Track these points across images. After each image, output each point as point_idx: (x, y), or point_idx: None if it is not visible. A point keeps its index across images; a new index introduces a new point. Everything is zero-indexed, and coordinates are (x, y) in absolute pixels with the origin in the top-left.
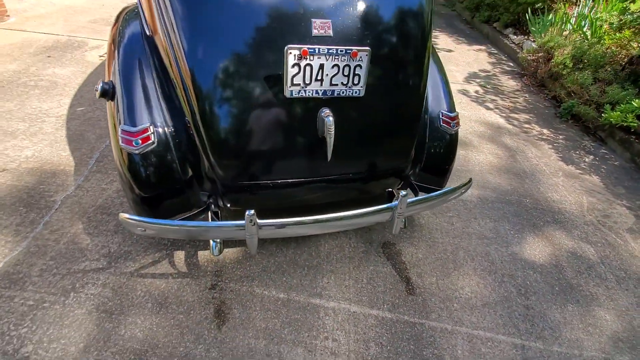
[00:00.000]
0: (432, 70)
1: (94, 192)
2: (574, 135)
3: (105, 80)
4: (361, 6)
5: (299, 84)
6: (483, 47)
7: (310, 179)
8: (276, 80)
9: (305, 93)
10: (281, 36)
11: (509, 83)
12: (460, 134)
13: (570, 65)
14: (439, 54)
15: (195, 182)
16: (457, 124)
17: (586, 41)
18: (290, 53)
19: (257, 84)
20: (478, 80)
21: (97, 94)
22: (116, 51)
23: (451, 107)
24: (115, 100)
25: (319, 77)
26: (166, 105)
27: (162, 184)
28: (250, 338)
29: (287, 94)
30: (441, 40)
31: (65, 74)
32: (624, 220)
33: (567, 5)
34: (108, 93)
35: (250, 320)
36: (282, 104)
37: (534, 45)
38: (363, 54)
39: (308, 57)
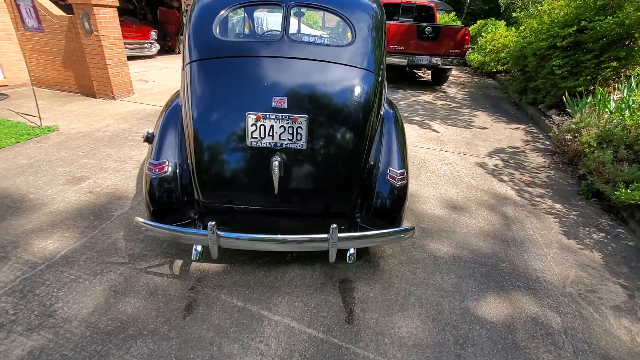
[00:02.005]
0: (390, 134)
1: (140, 212)
2: (591, 213)
3: (150, 131)
4: (309, 88)
5: (256, 138)
6: (522, 126)
7: (266, 208)
8: (243, 135)
9: (261, 144)
10: (251, 108)
11: (537, 159)
12: (458, 200)
13: (595, 144)
14: (470, 130)
15: (188, 203)
16: (403, 179)
17: (624, 122)
18: (249, 117)
19: (232, 139)
20: (502, 155)
21: (143, 139)
22: (162, 113)
23: (400, 165)
24: (152, 144)
25: (270, 134)
26: (180, 151)
27: (166, 201)
28: (203, 329)
29: (248, 143)
30: (479, 119)
31: None
32: (612, 298)
33: (606, 89)
34: (149, 139)
35: (208, 317)
36: (245, 151)
37: (572, 125)
38: (302, 119)
39: (261, 120)
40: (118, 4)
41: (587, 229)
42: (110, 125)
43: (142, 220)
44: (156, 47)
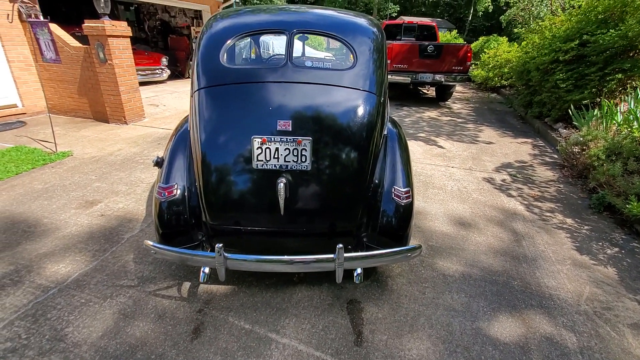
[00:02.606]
0: (394, 153)
1: (149, 234)
2: (604, 227)
3: (159, 156)
4: (313, 111)
5: (262, 160)
6: (529, 140)
7: (273, 229)
8: (249, 157)
9: (267, 166)
10: (257, 132)
11: (545, 173)
12: (466, 217)
13: (604, 157)
14: (476, 145)
15: (196, 225)
16: (408, 197)
17: (632, 134)
18: (255, 140)
19: (239, 162)
20: (509, 170)
21: (153, 163)
22: (172, 138)
23: (405, 183)
24: (161, 168)
25: (275, 156)
26: (188, 174)
27: (175, 224)
28: (210, 353)
29: (254, 166)
30: (485, 134)
31: None
32: (630, 315)
33: (612, 101)
34: (159, 164)
35: (216, 340)
36: (252, 173)
37: (580, 138)
38: (306, 141)
39: (267, 143)
40: (131, 34)
41: (601, 243)
42: (122, 149)
43: (151, 243)
44: (167, 73)
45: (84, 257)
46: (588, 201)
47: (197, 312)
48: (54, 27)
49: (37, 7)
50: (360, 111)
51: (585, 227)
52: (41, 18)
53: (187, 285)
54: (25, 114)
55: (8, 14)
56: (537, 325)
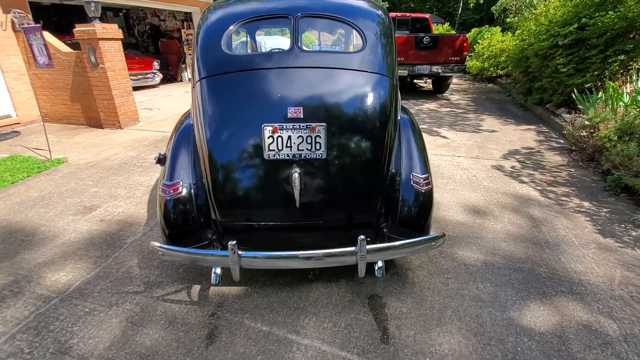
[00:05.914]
0: (408, 139)
1: (153, 237)
2: (624, 208)
3: (161, 153)
4: (324, 96)
5: (274, 150)
6: (532, 127)
7: (288, 223)
8: (259, 148)
9: (280, 156)
10: (267, 120)
11: (554, 158)
12: (480, 205)
13: (615, 137)
14: (480, 134)
15: (205, 224)
16: (427, 184)
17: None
18: (266, 129)
19: (248, 154)
20: (517, 157)
21: (155, 161)
22: (173, 134)
23: (423, 170)
24: (164, 165)
25: (288, 145)
26: (193, 171)
27: (182, 223)
28: (228, 359)
29: (265, 157)
30: (487, 123)
31: None
32: None
33: (616, 83)
34: (161, 161)
35: (232, 344)
36: (263, 165)
37: (586, 122)
38: (320, 127)
39: (278, 131)
40: (122, 37)
41: (623, 225)
42: (118, 153)
43: (158, 244)
44: (159, 77)
45: (85, 265)
46: (603, 183)
47: (210, 316)
48: (45, 34)
49: (30, 16)
50: (374, 95)
51: (604, 210)
52: (33, 24)
53: (196, 288)
54: (19, 123)
55: (1, 23)
56: (572, 312)
